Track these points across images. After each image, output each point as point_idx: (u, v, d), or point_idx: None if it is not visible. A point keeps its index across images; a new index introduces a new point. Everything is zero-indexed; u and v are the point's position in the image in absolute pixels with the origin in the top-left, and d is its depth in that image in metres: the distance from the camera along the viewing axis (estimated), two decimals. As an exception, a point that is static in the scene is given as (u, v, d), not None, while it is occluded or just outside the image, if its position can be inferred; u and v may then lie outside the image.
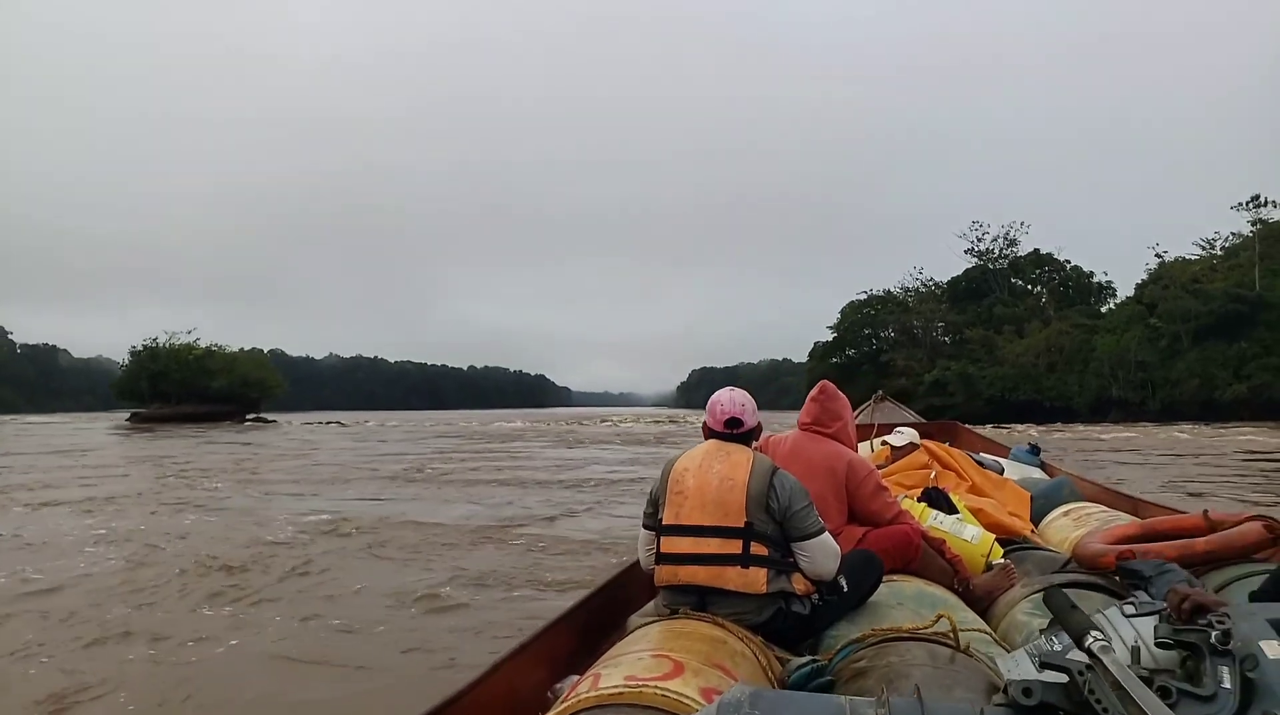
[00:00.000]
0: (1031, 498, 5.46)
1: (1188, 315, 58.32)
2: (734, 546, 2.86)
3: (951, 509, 4.43)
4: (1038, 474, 6.77)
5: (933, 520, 4.11)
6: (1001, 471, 6.14)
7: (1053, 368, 64.70)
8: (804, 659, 2.60)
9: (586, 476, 17.95)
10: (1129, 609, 1.82)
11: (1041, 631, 2.20)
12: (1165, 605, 1.78)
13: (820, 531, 2.95)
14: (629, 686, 2.06)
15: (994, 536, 4.14)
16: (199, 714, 4.45)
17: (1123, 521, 4.40)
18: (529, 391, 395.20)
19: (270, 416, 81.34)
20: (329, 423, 66.04)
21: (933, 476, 5.42)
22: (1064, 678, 1.43)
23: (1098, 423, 54.00)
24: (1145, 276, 67.25)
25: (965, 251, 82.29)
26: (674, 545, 2.95)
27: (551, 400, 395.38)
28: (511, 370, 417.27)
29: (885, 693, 1.48)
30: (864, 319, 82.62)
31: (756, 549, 2.86)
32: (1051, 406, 62.42)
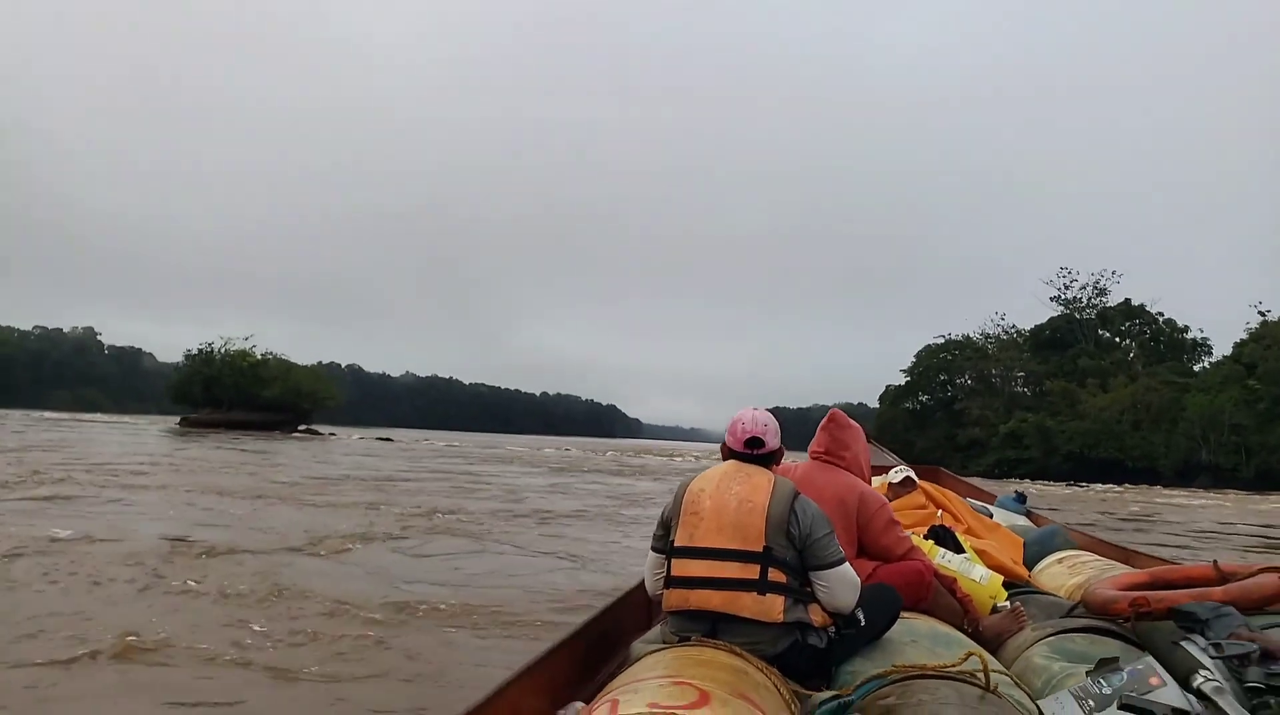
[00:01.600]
0: (1024, 544, 5.45)
1: (1290, 378, 54.80)
2: (751, 572, 2.78)
3: (959, 548, 4.44)
4: (1024, 522, 6.82)
5: (941, 558, 4.09)
6: (990, 516, 6.12)
7: (1138, 426, 61.93)
8: (828, 694, 2.57)
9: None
10: (1213, 650, 1.75)
11: (1088, 674, 2.33)
12: (1255, 647, 1.76)
13: (841, 561, 2.89)
14: (653, 713, 1.97)
15: (1001, 579, 4.14)
16: None
17: (1120, 570, 4.42)
18: (599, 421, 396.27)
19: (324, 429, 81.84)
20: (381, 439, 66.75)
21: (939, 515, 5.40)
22: None
23: (1184, 487, 51.54)
24: (1245, 335, 63.58)
25: (1051, 298, 79.78)
26: (686, 568, 2.87)
27: (621, 431, 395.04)
28: (583, 398, 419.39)
29: None
30: (939, 364, 79.85)
31: (774, 575, 2.78)
32: (1134, 466, 59.70)
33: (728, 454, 3.15)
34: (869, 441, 9.66)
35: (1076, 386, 67.35)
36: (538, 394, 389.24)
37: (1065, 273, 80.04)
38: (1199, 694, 1.36)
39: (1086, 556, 5.14)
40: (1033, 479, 57.16)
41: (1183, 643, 1.81)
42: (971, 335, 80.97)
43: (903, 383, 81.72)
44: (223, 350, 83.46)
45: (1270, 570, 3.27)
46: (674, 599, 2.89)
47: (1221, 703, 1.28)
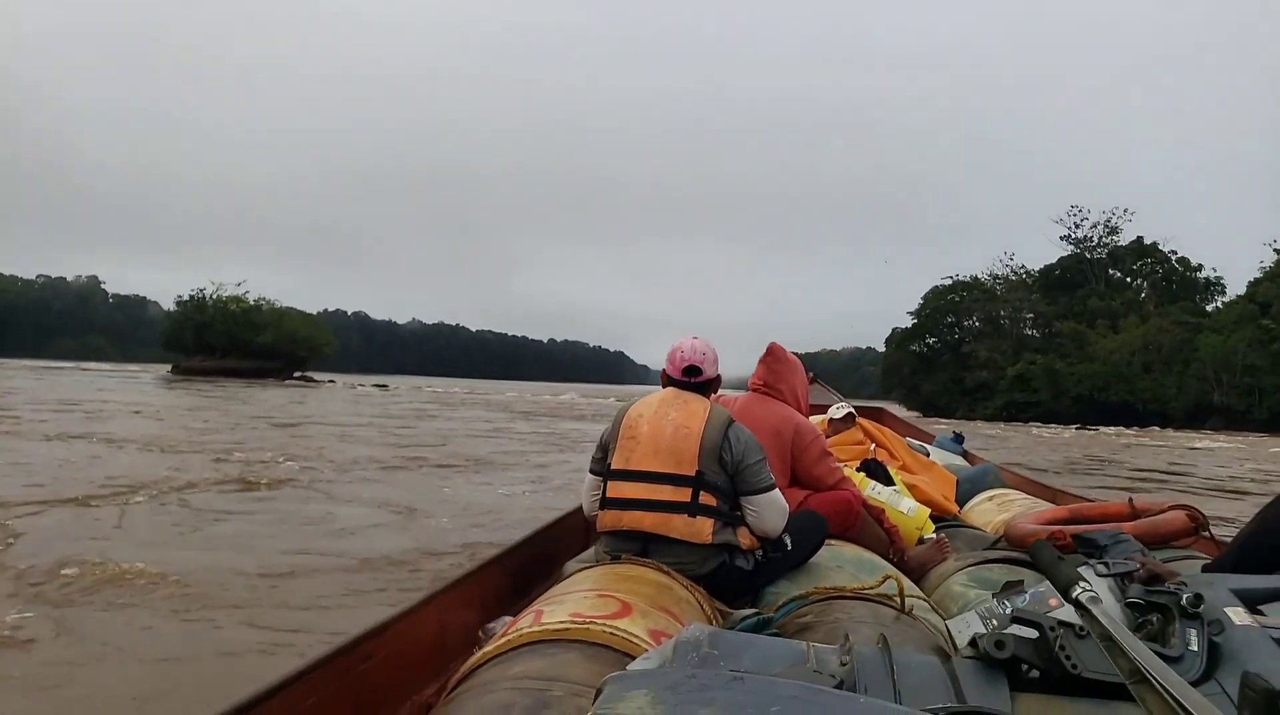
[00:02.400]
0: (957, 481, 5.60)
1: (1306, 317, 53.99)
2: (683, 495, 2.88)
3: (889, 481, 4.56)
4: (960, 461, 7.05)
5: (871, 490, 4.22)
6: (927, 455, 6.29)
7: (1149, 368, 61.50)
8: (748, 611, 2.66)
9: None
10: (1101, 568, 1.84)
11: (995, 595, 2.37)
12: (1138, 566, 1.87)
13: (771, 487, 3.00)
14: (575, 623, 2.05)
15: (929, 511, 4.31)
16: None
17: (1044, 507, 4.57)
18: (607, 367, 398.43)
19: (322, 376, 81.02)
20: (377, 386, 66.19)
21: (872, 449, 5.54)
22: (1034, 633, 1.48)
23: (1196, 430, 50.89)
24: (1259, 273, 61.73)
25: (1061, 238, 78.39)
26: (621, 490, 2.96)
27: (630, 377, 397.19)
28: (591, 345, 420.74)
29: (849, 640, 1.49)
30: (947, 306, 78.15)
31: (705, 499, 2.88)
32: (1145, 409, 59.13)
33: (667, 381, 3.22)
34: (814, 381, 9.60)
35: (1086, 328, 66.68)
36: (545, 341, 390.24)
37: (1076, 211, 78.73)
38: (1077, 604, 1.42)
39: (1015, 495, 5.35)
40: (1042, 422, 56.66)
41: (1080, 568, 1.72)
42: (981, 276, 79.20)
43: (909, 326, 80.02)
44: (215, 296, 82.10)
45: (1179, 507, 3.56)
46: (608, 519, 2.98)
47: (1095, 611, 1.35)
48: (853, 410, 6.33)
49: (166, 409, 25.74)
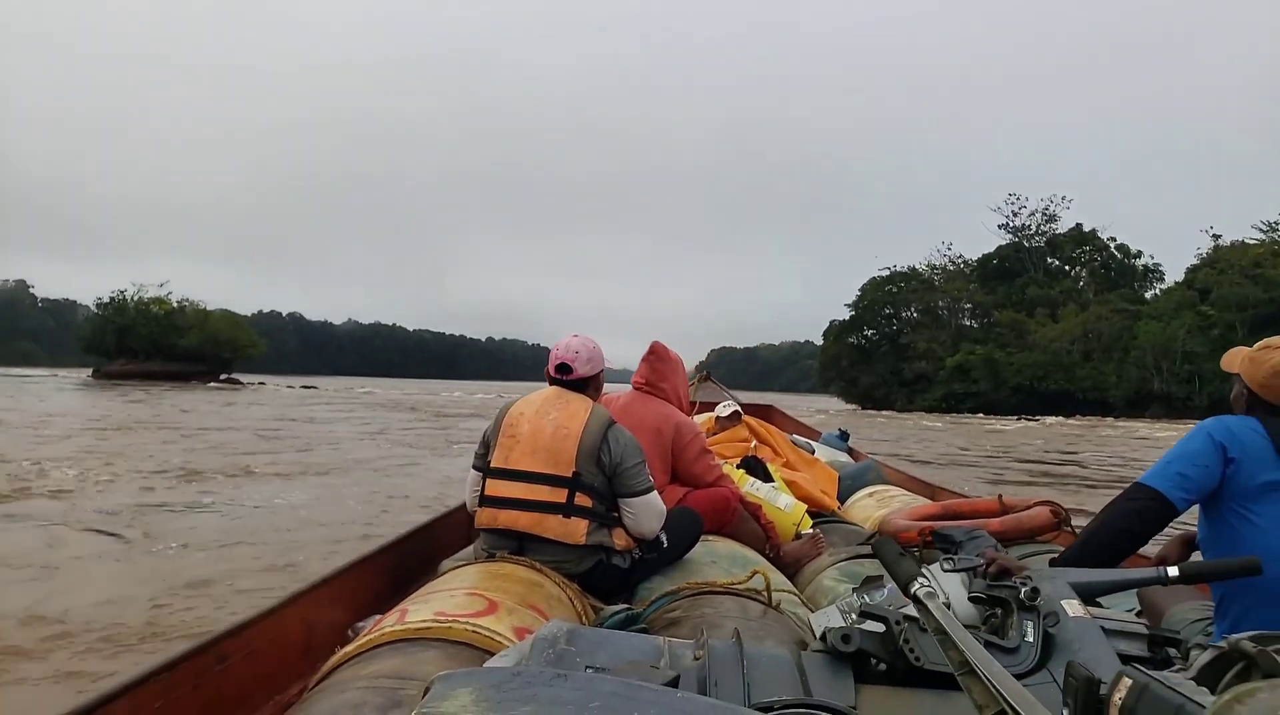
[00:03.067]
0: (840, 478, 5.69)
1: (1245, 303, 54.61)
2: (559, 496, 2.90)
3: (768, 478, 4.64)
4: (845, 458, 7.19)
5: (750, 487, 4.28)
6: (813, 452, 6.37)
7: (1088, 356, 62.26)
8: (619, 607, 2.67)
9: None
10: (947, 565, 1.88)
11: (855, 590, 2.62)
12: (981, 562, 1.93)
13: (649, 490, 3.03)
14: (438, 622, 2.05)
15: (805, 507, 4.38)
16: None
17: (921, 503, 4.70)
18: (545, 364, 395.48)
19: (251, 378, 79.88)
20: (305, 387, 65.94)
21: (753, 447, 5.59)
22: (881, 627, 1.54)
23: (1136, 417, 50.08)
24: (1197, 260, 62.19)
25: (999, 227, 78.92)
26: (499, 489, 2.98)
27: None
28: (529, 343, 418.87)
29: (705, 634, 1.55)
30: (885, 297, 77.44)
31: (581, 500, 2.91)
32: (1085, 398, 59.70)
33: (550, 380, 3.25)
34: (707, 378, 10.33)
35: (1025, 317, 67.21)
36: (483, 339, 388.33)
37: (1014, 199, 79.14)
38: (915, 599, 1.45)
39: (895, 491, 5.48)
40: (984, 413, 57.16)
41: (934, 565, 1.84)
42: (919, 267, 79.35)
43: (846, 318, 79.54)
44: (135, 298, 79.41)
45: (1044, 504, 3.78)
46: (484, 517, 3.00)
47: (930, 605, 1.37)
48: (739, 408, 6.48)
49: (51, 417, 23.52)
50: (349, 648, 2.02)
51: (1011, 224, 77.97)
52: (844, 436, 8.25)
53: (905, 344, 72.08)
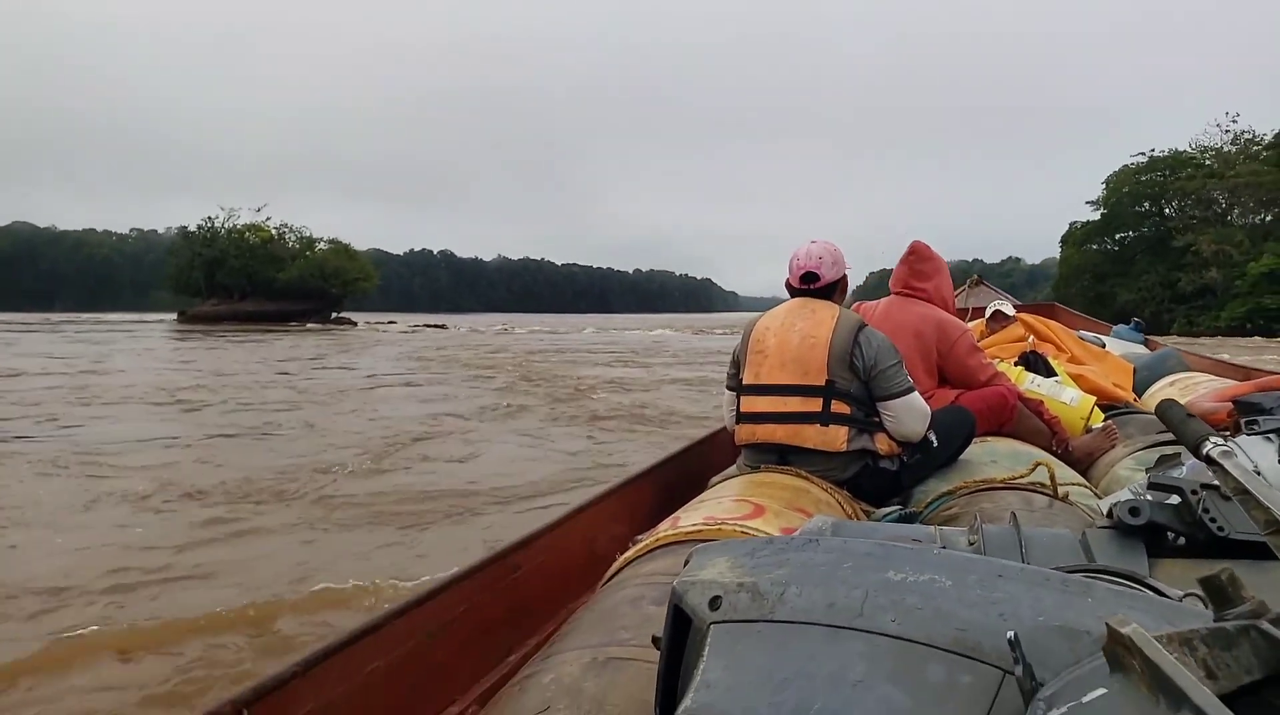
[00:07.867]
0: (1135, 369, 5.33)
1: None
2: (814, 405, 2.91)
3: (1050, 373, 4.46)
4: (1141, 350, 6.77)
5: (1029, 383, 4.13)
6: (1103, 346, 6.00)
7: None
8: (891, 507, 2.72)
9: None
10: (1252, 426, 1.74)
11: (1147, 471, 2.35)
12: None
13: (908, 391, 2.98)
14: (708, 525, 2.12)
15: (1095, 400, 4.13)
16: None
17: (1231, 385, 4.25)
18: (695, 296, 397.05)
19: (375, 318, 69.83)
20: (431, 326, 58.97)
21: (1029, 342, 5.34)
22: (1175, 498, 1.41)
23: None
24: None
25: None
26: (754, 405, 3.03)
27: (718, 305, 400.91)
28: (678, 274, 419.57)
29: (979, 520, 1.44)
30: (1141, 190, 61.99)
31: (838, 407, 2.90)
32: None
33: (792, 292, 3.24)
34: (979, 282, 9.75)
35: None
36: (630, 272, 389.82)
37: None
38: (1208, 460, 1.25)
39: (1200, 377, 5.06)
40: None
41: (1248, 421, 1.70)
42: (1188, 148, 62.83)
43: (1092, 218, 64.81)
44: (226, 225, 69.18)
45: None
46: (743, 434, 3.07)
47: (1227, 465, 1.18)
48: (1009, 308, 6.22)
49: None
50: (628, 553, 2.18)
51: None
52: (1139, 327, 7.75)
53: (1181, 248, 55.99)
